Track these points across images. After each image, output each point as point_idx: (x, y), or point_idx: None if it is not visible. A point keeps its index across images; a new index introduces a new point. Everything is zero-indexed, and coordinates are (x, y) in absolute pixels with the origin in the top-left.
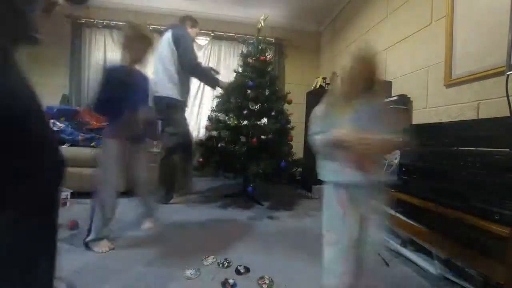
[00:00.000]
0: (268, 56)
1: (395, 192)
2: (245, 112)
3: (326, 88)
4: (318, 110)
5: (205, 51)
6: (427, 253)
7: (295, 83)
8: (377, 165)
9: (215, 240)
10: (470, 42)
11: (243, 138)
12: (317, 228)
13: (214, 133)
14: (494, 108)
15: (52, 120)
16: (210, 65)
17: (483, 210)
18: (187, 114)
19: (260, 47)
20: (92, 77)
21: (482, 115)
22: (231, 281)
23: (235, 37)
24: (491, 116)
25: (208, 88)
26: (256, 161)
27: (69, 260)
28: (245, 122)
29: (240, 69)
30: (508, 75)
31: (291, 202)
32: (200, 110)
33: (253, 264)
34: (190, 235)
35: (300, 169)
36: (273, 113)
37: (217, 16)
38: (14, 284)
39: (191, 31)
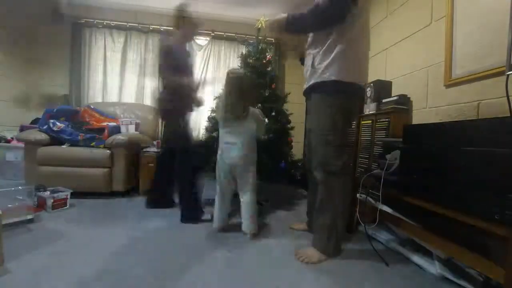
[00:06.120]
0: (268, 56)
1: (395, 192)
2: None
3: None
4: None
5: (205, 51)
6: (427, 253)
7: (295, 83)
8: None
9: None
10: (470, 42)
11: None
12: None
13: (214, 133)
14: (494, 108)
15: (52, 120)
16: (210, 64)
17: (483, 210)
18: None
19: (260, 47)
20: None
21: (482, 115)
22: None
23: (235, 37)
24: (491, 116)
25: (207, 89)
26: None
27: None
28: None
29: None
30: (508, 75)
31: (291, 202)
32: (200, 111)
33: (254, 264)
34: (189, 234)
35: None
36: (273, 113)
37: (217, 16)
38: None
39: None
